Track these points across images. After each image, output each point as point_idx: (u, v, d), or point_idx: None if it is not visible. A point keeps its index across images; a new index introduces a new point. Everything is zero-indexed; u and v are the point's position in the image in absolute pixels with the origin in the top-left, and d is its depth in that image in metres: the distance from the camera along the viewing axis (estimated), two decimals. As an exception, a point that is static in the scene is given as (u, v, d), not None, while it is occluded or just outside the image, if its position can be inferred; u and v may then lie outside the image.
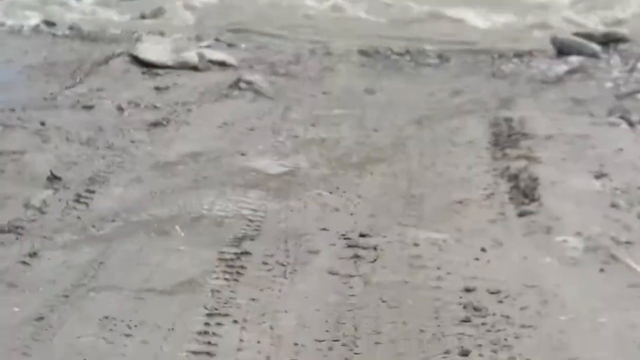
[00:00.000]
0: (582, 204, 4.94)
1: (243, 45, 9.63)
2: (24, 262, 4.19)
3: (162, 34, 10.04)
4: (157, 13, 11.92)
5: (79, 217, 4.79)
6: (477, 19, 10.74)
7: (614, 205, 4.89)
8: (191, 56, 8.25)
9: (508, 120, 6.52)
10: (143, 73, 7.87)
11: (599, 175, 5.33)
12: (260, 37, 10.17)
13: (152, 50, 8.30)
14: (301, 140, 6.28)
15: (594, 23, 10.36)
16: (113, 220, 4.74)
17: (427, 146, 6.10)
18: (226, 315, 3.71)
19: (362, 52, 9.43)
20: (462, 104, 7.22)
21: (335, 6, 11.66)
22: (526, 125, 6.35)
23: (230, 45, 9.70)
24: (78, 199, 5.04)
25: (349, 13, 11.38)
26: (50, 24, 10.69)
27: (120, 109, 6.72)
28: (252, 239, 4.52)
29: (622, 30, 9.46)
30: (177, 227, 4.63)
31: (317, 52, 9.39)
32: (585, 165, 5.53)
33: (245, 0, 12.38)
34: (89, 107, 6.73)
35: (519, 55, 9.04)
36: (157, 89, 7.41)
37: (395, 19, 11.13)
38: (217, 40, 9.93)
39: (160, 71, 7.93)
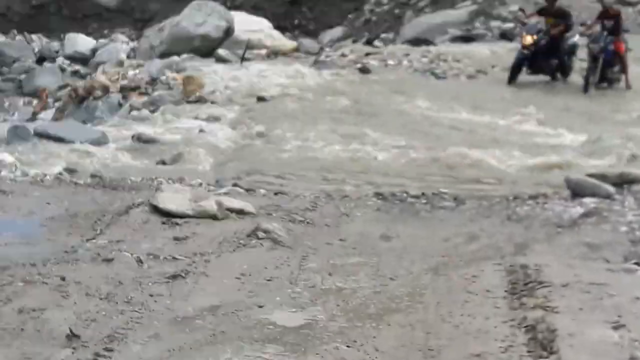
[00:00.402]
0: (600, 356, 4.92)
1: (262, 191, 9.79)
2: None
3: (181, 180, 10.23)
4: (177, 159, 12.19)
5: (96, 379, 4.83)
6: (490, 160, 10.92)
7: (632, 358, 4.87)
8: (210, 205, 8.36)
9: (524, 267, 6.54)
10: (163, 223, 7.97)
11: (616, 326, 5.32)
12: (277, 182, 10.35)
13: (172, 199, 8.43)
14: (318, 290, 6.32)
15: (607, 163, 10.50)
16: (130, 381, 4.77)
17: (444, 296, 6.12)
18: None
19: (378, 195, 9.57)
20: (477, 250, 7.27)
21: (352, 150, 11.90)
22: (542, 272, 6.37)
23: (248, 190, 9.86)
24: (96, 358, 5.06)
25: (366, 157, 11.60)
26: (72, 171, 10.92)
27: (139, 261, 6.80)
28: (269, 400, 4.53)
29: (636, 171, 9.56)
30: (194, 388, 4.64)
31: (334, 196, 9.52)
32: (602, 315, 5.52)
33: (263, 144, 12.68)
34: (108, 260, 6.82)
35: (533, 197, 9.13)
36: (176, 239, 7.50)
37: (410, 160, 11.34)
38: (235, 185, 10.09)
39: (179, 220, 8.03)
